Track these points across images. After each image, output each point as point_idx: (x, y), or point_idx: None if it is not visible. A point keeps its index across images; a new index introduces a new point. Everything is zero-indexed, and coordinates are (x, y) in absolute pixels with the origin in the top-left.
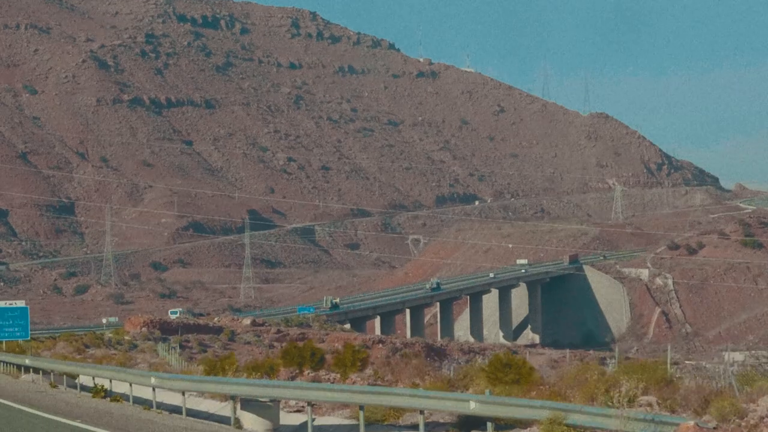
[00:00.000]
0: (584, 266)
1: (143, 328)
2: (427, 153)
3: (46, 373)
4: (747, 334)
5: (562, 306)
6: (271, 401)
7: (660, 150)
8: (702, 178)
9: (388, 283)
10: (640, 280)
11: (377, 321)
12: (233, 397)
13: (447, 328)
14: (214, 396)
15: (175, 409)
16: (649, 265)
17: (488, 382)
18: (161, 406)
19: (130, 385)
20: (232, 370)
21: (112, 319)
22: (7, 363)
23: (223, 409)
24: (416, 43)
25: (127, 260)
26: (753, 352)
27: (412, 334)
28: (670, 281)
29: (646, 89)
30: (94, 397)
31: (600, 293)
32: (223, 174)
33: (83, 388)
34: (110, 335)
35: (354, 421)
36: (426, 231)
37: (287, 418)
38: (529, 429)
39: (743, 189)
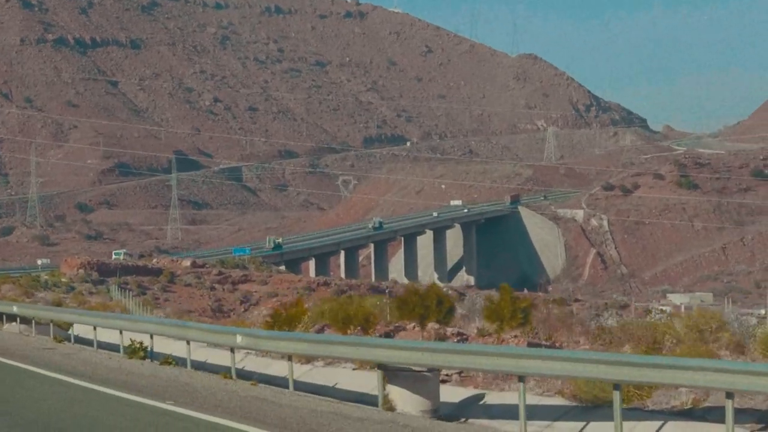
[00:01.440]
0: (519, 207)
1: (80, 270)
2: (354, 94)
3: (36, 324)
4: (684, 276)
5: (497, 247)
6: (428, 371)
7: (588, 91)
8: (630, 119)
9: (319, 225)
10: (575, 221)
11: (312, 263)
12: (382, 366)
13: (381, 269)
14: (274, 356)
15: (244, 375)
16: (583, 205)
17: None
18: (220, 370)
19: (188, 343)
20: (304, 323)
21: (45, 261)
22: None
23: (309, 374)
24: None
25: (53, 201)
26: (696, 293)
27: (347, 276)
28: (605, 222)
29: (575, 31)
30: (130, 358)
31: (535, 234)
32: (149, 114)
33: (101, 345)
34: (46, 277)
35: (559, 400)
36: (354, 172)
37: (442, 394)
38: None
39: (671, 130)
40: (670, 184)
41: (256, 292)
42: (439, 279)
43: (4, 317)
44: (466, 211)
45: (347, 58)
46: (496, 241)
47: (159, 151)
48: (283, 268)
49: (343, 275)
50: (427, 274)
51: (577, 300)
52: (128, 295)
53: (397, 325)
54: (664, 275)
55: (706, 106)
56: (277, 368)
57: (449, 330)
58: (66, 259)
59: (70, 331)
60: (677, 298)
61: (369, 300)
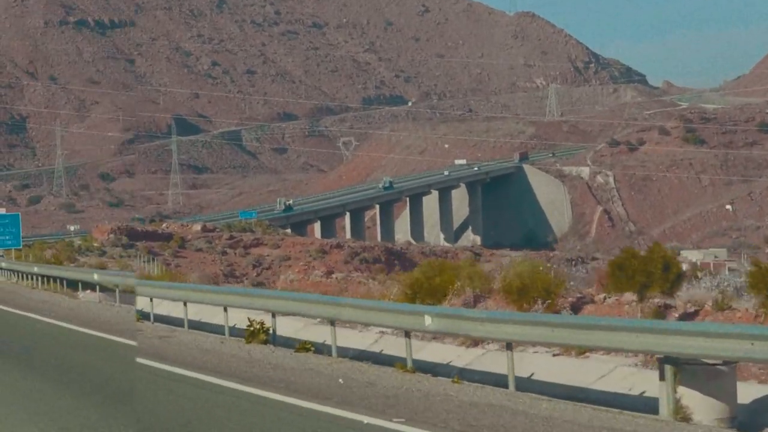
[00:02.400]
0: (524, 165)
1: (110, 235)
2: (352, 55)
3: (108, 291)
4: (692, 232)
5: (503, 206)
6: (724, 364)
7: (587, 48)
8: (629, 75)
9: (321, 187)
10: (581, 178)
11: (317, 225)
12: (671, 361)
13: (387, 230)
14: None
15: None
16: (589, 162)
17: None
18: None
19: (332, 324)
20: (452, 294)
21: (76, 227)
22: (52, 278)
23: (480, 360)
24: None
25: (77, 172)
26: (708, 250)
27: (353, 238)
28: (611, 179)
29: None
30: (248, 342)
31: (540, 192)
32: (147, 80)
33: (192, 324)
34: (79, 242)
35: None
36: (353, 133)
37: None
38: None
39: (671, 86)
40: (676, 140)
41: (268, 255)
42: (446, 239)
43: (63, 283)
44: (476, 169)
45: (344, 19)
46: (501, 200)
47: (158, 116)
48: (288, 231)
49: (348, 237)
50: (433, 234)
51: (594, 258)
52: (153, 261)
53: (579, 296)
54: (673, 232)
55: (705, 60)
56: (431, 353)
57: (631, 301)
58: (98, 225)
59: (146, 308)
60: (691, 255)
61: (522, 265)
